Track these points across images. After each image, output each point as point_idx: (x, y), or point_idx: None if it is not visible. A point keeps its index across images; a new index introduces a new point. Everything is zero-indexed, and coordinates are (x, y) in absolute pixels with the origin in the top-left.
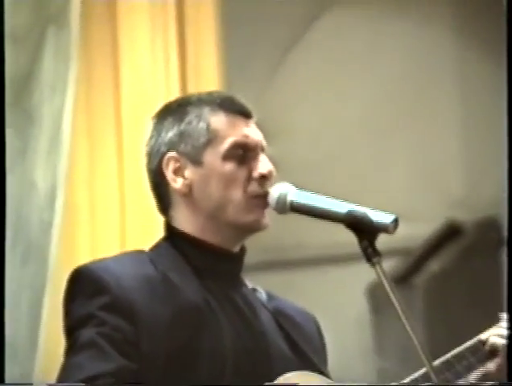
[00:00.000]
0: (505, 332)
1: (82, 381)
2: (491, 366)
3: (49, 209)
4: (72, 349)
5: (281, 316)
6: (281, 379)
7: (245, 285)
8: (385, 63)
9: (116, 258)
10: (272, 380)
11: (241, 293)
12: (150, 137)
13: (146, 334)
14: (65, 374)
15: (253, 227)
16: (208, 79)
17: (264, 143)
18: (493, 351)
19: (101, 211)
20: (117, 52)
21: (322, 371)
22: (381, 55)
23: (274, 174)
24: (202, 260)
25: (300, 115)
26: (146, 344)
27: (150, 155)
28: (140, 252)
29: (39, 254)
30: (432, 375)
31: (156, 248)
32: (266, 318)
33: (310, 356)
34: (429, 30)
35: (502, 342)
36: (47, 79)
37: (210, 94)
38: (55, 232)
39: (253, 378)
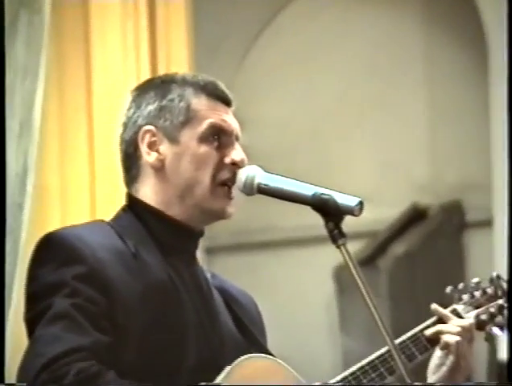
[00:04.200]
0: (457, 329)
1: (63, 354)
2: (444, 369)
3: (20, 192)
4: (43, 318)
5: (227, 296)
6: (238, 364)
7: (198, 263)
8: (352, 50)
9: (85, 227)
10: (224, 359)
11: (198, 270)
12: (129, 108)
13: (120, 307)
14: (41, 345)
15: (218, 215)
16: (178, 67)
17: (240, 133)
18: (444, 348)
19: (72, 194)
20: (88, 38)
21: (269, 352)
22: (349, 42)
23: (246, 163)
24: (166, 234)
25: (268, 103)
26: (120, 318)
27: (126, 126)
28: (104, 223)
29: (9, 237)
30: (396, 357)
31: (117, 219)
32: (217, 297)
33: (257, 337)
34: (396, 16)
35: (456, 339)
36: (20, 62)
37: (195, 76)
38: (26, 214)
39: (209, 357)
